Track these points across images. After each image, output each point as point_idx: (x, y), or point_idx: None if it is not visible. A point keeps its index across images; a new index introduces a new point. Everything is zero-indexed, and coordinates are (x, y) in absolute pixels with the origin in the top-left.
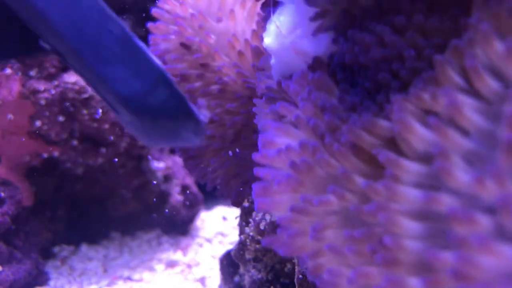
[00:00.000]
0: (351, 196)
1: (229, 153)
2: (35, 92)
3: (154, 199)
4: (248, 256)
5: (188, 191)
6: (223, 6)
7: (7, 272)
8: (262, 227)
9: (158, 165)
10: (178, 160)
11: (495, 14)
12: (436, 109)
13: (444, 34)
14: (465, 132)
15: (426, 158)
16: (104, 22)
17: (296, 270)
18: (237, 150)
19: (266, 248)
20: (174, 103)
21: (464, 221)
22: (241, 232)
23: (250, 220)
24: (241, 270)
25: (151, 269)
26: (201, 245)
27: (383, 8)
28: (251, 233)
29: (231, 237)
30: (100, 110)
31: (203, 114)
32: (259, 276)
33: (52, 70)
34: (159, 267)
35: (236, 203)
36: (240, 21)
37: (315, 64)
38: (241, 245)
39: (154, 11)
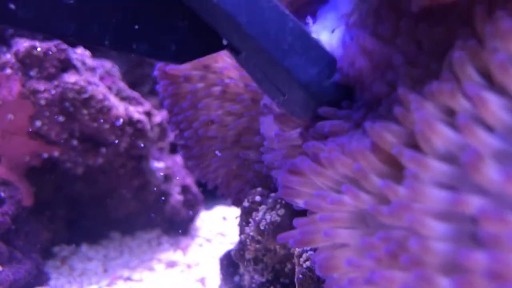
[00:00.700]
0: (366, 196)
1: (217, 153)
2: (35, 92)
3: (154, 199)
4: (248, 256)
5: (188, 191)
6: None
7: (7, 272)
8: (262, 227)
9: (158, 165)
10: (178, 160)
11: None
12: (456, 108)
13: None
14: (491, 130)
15: (448, 158)
16: (283, 20)
17: (296, 270)
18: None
19: (266, 248)
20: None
21: (495, 221)
22: (241, 232)
23: (250, 220)
24: (241, 270)
25: (151, 269)
26: (201, 245)
27: None
28: (251, 233)
29: (231, 237)
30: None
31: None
32: (259, 276)
33: (52, 70)
34: (159, 267)
35: (236, 203)
36: None
37: None
38: (241, 245)
39: None
